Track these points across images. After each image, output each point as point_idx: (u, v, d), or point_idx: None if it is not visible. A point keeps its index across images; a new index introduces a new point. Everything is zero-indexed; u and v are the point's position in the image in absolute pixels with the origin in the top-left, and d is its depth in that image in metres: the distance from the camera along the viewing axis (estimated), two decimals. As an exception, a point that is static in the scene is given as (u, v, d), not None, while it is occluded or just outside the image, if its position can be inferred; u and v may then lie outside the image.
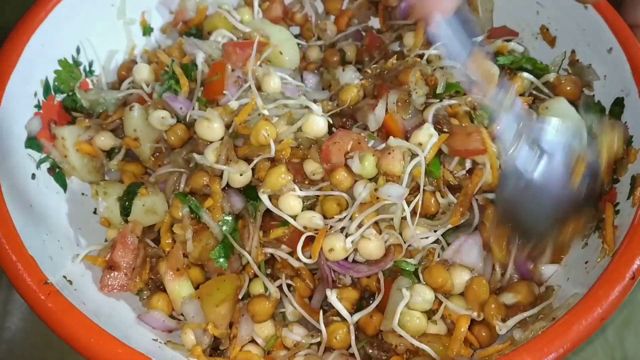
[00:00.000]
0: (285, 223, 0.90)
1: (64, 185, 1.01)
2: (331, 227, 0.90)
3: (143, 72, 1.08)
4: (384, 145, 0.91)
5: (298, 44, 1.13)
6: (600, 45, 1.00)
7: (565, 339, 0.71)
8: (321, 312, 0.87)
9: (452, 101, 0.95)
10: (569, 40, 1.08)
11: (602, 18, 0.99)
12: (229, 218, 0.92)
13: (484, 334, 0.85)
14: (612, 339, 1.09)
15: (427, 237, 0.90)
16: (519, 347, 0.71)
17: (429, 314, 0.87)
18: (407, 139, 0.92)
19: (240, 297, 0.91)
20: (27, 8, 0.99)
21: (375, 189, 0.88)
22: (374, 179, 0.90)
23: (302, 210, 0.90)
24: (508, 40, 1.12)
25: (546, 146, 0.84)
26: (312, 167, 0.91)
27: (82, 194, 1.03)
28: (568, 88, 1.02)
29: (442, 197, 0.92)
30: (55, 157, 0.99)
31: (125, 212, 0.96)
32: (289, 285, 0.92)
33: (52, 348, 1.02)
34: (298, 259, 0.89)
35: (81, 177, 1.03)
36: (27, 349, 1.05)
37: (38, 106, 0.98)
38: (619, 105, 0.96)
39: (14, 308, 1.09)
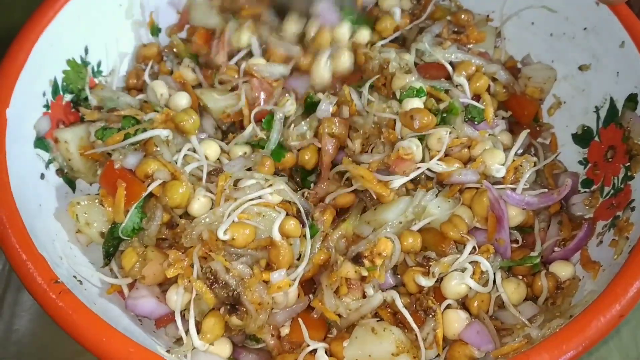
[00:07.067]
0: None
1: (72, 186, 1.00)
2: None
3: (160, 89, 1.05)
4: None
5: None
6: (611, 41, 0.99)
7: (584, 336, 0.69)
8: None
9: None
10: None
11: (614, 13, 0.99)
12: None
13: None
14: (627, 339, 1.08)
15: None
16: (537, 345, 0.70)
17: None
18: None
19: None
20: (35, 8, 0.98)
21: None
22: None
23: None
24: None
25: None
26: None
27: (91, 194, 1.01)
28: None
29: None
30: (59, 161, 0.98)
31: (108, 257, 0.92)
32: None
33: (60, 349, 1.02)
34: None
35: (87, 180, 1.02)
36: (35, 350, 1.05)
37: (47, 106, 0.98)
38: (632, 101, 0.95)
39: (22, 310, 1.08)
